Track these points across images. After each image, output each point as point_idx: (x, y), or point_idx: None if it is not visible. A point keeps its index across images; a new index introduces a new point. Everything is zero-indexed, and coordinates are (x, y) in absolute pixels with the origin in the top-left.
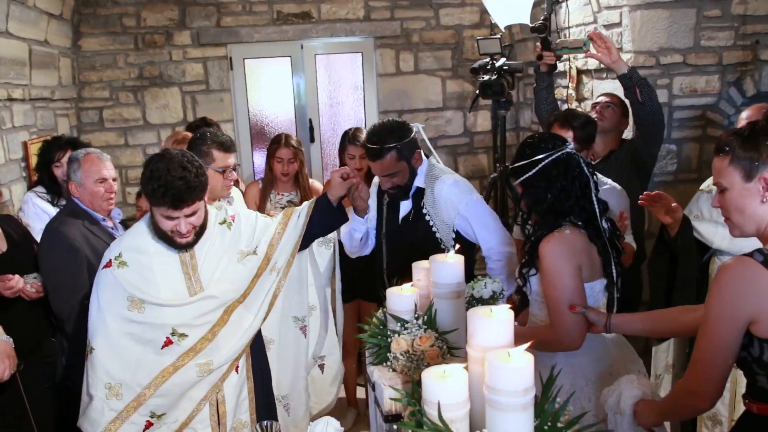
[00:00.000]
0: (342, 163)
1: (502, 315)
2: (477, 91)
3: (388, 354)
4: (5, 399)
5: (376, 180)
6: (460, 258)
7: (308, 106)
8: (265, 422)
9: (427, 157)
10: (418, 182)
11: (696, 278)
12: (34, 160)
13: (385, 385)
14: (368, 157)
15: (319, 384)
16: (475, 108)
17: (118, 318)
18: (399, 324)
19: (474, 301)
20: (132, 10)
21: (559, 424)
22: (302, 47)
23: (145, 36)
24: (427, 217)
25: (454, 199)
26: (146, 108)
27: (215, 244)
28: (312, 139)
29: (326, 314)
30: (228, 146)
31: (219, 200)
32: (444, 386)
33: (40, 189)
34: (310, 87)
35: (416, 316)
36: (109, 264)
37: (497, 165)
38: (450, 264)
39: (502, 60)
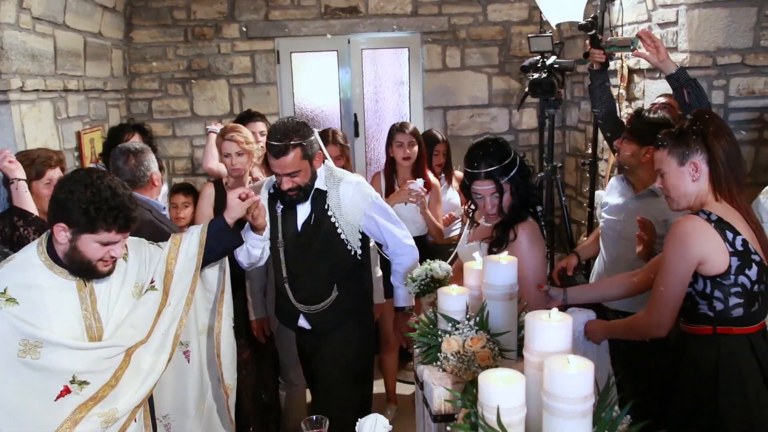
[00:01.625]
0: (389, 157)
1: (561, 320)
2: (526, 89)
3: (439, 354)
4: None
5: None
6: (514, 260)
7: (353, 101)
8: (314, 417)
9: (324, 161)
10: (319, 184)
11: None
12: (87, 149)
13: (435, 384)
14: (272, 155)
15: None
16: (523, 106)
17: (5, 367)
18: (450, 324)
19: (432, 283)
20: (182, 3)
21: None
22: (349, 42)
23: (194, 29)
24: (333, 219)
25: (358, 200)
26: (194, 100)
27: (112, 277)
28: (357, 134)
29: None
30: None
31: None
32: (501, 390)
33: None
34: (356, 81)
35: (468, 317)
36: None
37: (545, 164)
38: (503, 265)
39: (553, 58)
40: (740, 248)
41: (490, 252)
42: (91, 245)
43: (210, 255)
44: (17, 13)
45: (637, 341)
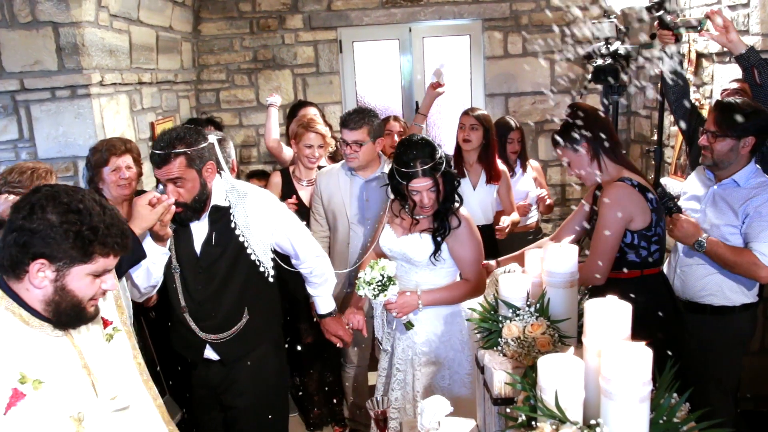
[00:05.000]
0: (457, 141)
1: (620, 307)
2: (589, 76)
3: (499, 339)
4: None
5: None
6: (575, 248)
7: (414, 89)
8: (377, 397)
9: (220, 173)
10: (217, 200)
11: None
12: None
13: (496, 368)
14: (154, 165)
15: None
16: (586, 92)
17: None
18: (511, 310)
19: (387, 281)
20: None
21: (675, 420)
22: (410, 30)
23: (259, 20)
24: (241, 238)
25: (269, 215)
26: (259, 90)
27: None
28: None
29: None
30: (342, 121)
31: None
32: (560, 374)
33: None
34: (417, 69)
35: (528, 303)
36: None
37: None
38: (565, 253)
39: (617, 44)
40: (655, 205)
41: (435, 240)
42: (83, 280)
43: (118, 273)
44: (96, 11)
45: None
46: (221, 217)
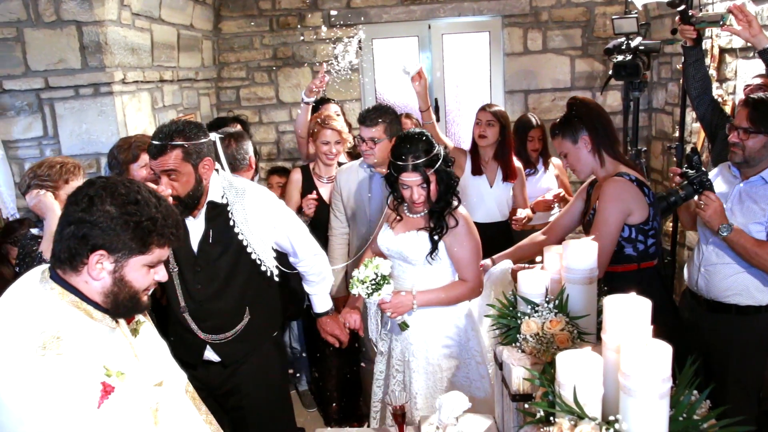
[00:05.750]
0: (473, 137)
1: (639, 303)
2: (610, 72)
3: (518, 335)
4: None
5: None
6: (595, 244)
7: (434, 86)
8: (397, 391)
9: (217, 171)
10: (214, 196)
11: None
12: None
13: (515, 365)
14: (150, 156)
15: None
16: (607, 88)
17: None
18: (530, 307)
19: (381, 280)
20: None
21: (695, 417)
22: (429, 27)
23: (279, 18)
24: (240, 236)
25: (268, 213)
26: (279, 87)
27: None
28: (438, 119)
29: None
30: (360, 118)
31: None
32: (579, 370)
33: None
34: (437, 66)
35: (547, 299)
36: (110, 390)
37: (629, 148)
38: (584, 249)
39: (638, 39)
40: (652, 199)
41: (432, 239)
42: (139, 271)
43: None
44: (119, 10)
45: None
46: (218, 215)
